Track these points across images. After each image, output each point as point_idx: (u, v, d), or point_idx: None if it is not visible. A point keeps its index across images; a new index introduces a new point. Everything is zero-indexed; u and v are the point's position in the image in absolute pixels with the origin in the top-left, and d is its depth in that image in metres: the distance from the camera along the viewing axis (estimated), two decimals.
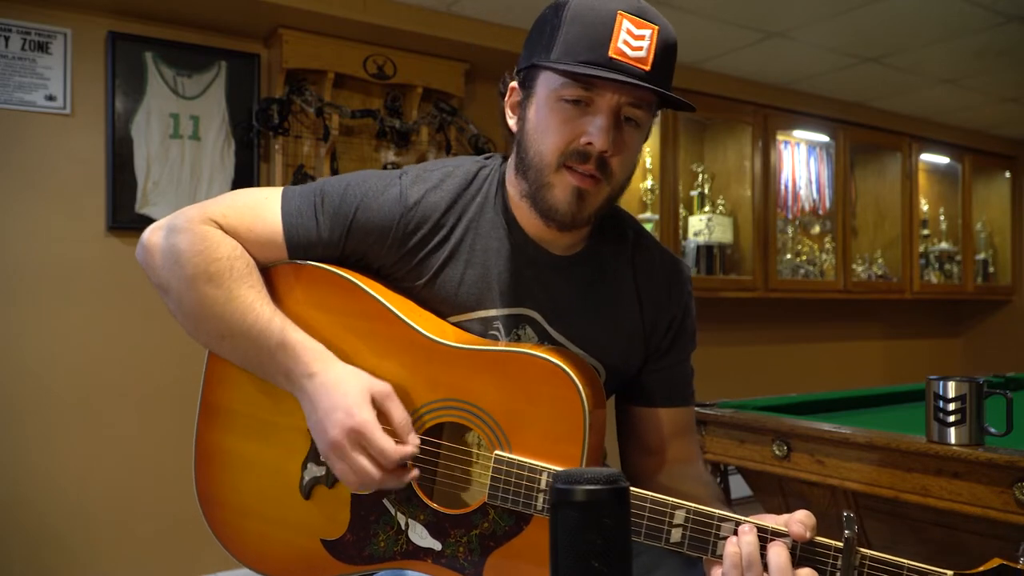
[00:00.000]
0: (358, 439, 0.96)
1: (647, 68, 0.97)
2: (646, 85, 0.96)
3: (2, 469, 2.56)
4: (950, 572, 0.83)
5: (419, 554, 1.02)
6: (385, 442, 0.95)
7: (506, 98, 1.10)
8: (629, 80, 0.95)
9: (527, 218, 1.09)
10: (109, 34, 2.72)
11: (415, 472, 0.99)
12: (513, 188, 1.10)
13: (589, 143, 0.99)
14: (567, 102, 0.99)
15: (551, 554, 0.70)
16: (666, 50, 0.99)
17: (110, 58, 2.71)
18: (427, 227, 1.08)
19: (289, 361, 1.01)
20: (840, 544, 0.86)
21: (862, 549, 0.86)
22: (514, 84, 1.09)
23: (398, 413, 0.99)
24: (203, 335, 1.07)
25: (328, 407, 0.98)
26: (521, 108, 1.07)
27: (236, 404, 1.11)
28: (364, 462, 0.96)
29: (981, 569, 0.83)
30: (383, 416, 0.99)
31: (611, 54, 0.96)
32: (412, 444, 0.98)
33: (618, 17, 0.97)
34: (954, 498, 1.45)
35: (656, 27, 0.98)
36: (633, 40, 0.97)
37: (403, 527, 1.03)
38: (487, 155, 1.18)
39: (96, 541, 2.68)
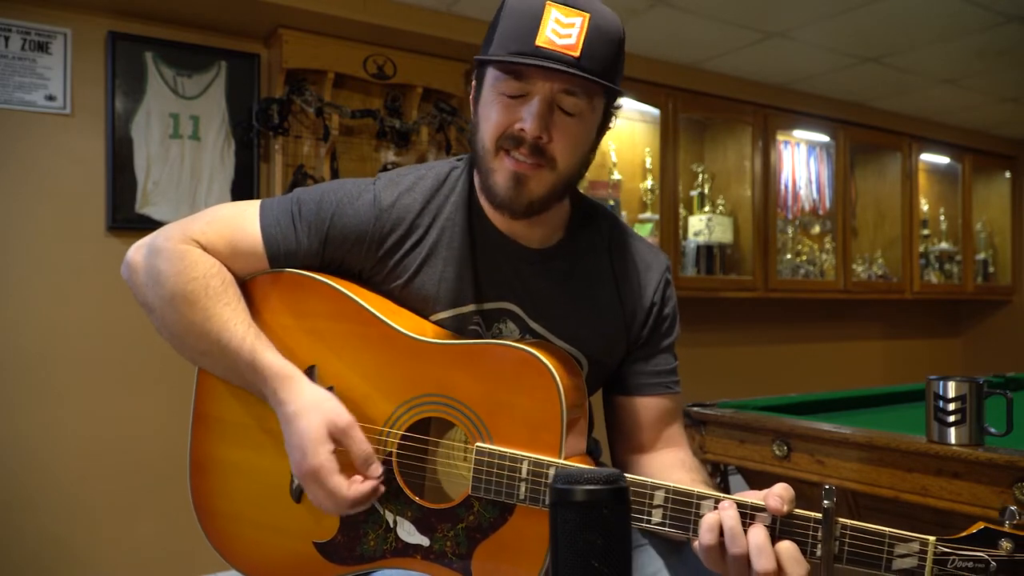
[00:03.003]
0: (315, 480, 0.99)
1: (575, 55, 0.98)
2: (566, 69, 0.97)
3: (2, 468, 2.56)
4: (932, 538, 0.83)
5: (408, 551, 1.03)
6: (339, 486, 0.98)
7: (470, 95, 1.13)
8: (548, 64, 0.97)
9: (497, 214, 1.11)
10: (109, 34, 2.72)
11: (380, 491, 1.01)
12: (476, 182, 1.12)
13: (522, 128, 1.01)
14: (505, 95, 1.02)
15: (551, 554, 0.70)
16: (600, 35, 1.00)
17: (110, 58, 2.71)
18: (402, 229, 1.10)
19: (259, 383, 1.04)
20: (819, 516, 0.86)
21: (842, 519, 0.86)
22: (474, 80, 1.11)
23: (357, 447, 1.00)
24: (186, 351, 1.10)
25: (292, 443, 1.01)
26: (474, 103, 1.10)
27: (226, 414, 1.12)
28: (323, 499, 1.00)
29: (964, 533, 0.83)
30: (344, 452, 1.00)
31: (538, 43, 0.98)
32: (372, 476, 1.00)
33: (546, 7, 0.99)
34: (954, 498, 1.45)
35: (587, 14, 0.99)
36: (561, 28, 0.98)
37: (392, 525, 1.04)
38: (459, 156, 1.20)
39: (96, 541, 2.68)
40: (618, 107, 1.10)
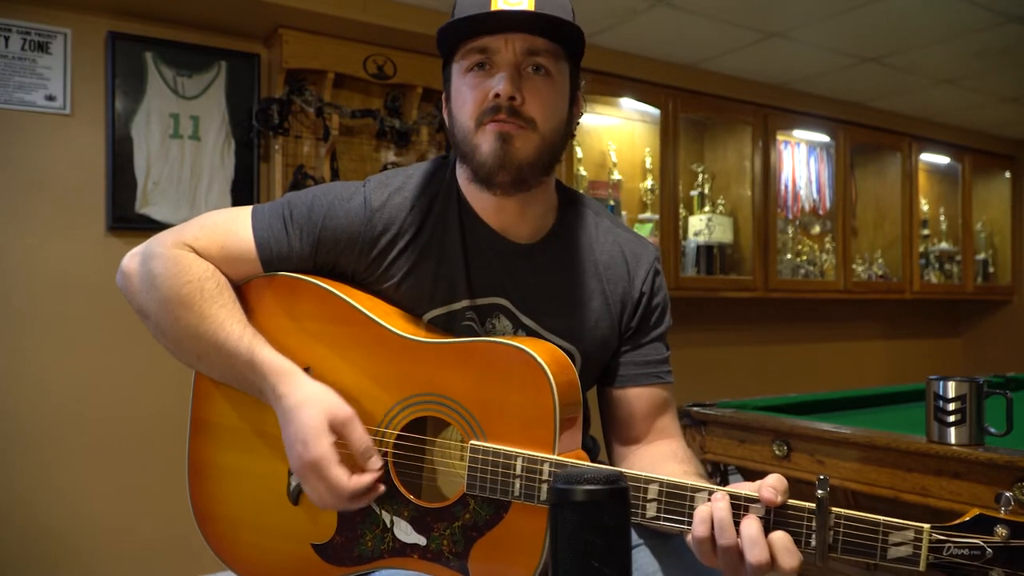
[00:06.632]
0: (315, 471, 0.99)
1: (530, 9, 1.01)
2: (524, 9, 1.00)
3: (2, 470, 2.56)
4: (927, 525, 0.83)
5: (406, 550, 1.03)
6: (339, 477, 0.98)
7: (443, 97, 1.15)
8: (505, 8, 1.00)
9: (486, 209, 1.12)
10: (109, 34, 2.72)
11: (379, 489, 1.01)
12: (462, 178, 1.13)
13: (496, 95, 1.03)
14: (471, 71, 1.05)
15: (551, 554, 0.70)
16: None
17: (110, 58, 2.71)
18: (394, 229, 1.11)
19: (258, 380, 1.05)
20: (812, 506, 0.86)
21: (835, 508, 0.85)
22: (444, 84, 1.14)
23: (357, 440, 1.00)
24: (184, 355, 1.11)
25: (291, 436, 1.01)
26: (446, 104, 1.13)
27: (222, 418, 1.13)
28: (323, 492, 0.99)
29: (959, 521, 0.83)
30: (344, 443, 1.00)
31: (492, 8, 1.02)
32: (372, 469, 1.01)
33: None
34: (954, 498, 1.45)
35: None
36: None
37: (388, 525, 1.04)
38: (444, 155, 1.21)
39: (97, 541, 2.68)
40: (583, 83, 1.14)
